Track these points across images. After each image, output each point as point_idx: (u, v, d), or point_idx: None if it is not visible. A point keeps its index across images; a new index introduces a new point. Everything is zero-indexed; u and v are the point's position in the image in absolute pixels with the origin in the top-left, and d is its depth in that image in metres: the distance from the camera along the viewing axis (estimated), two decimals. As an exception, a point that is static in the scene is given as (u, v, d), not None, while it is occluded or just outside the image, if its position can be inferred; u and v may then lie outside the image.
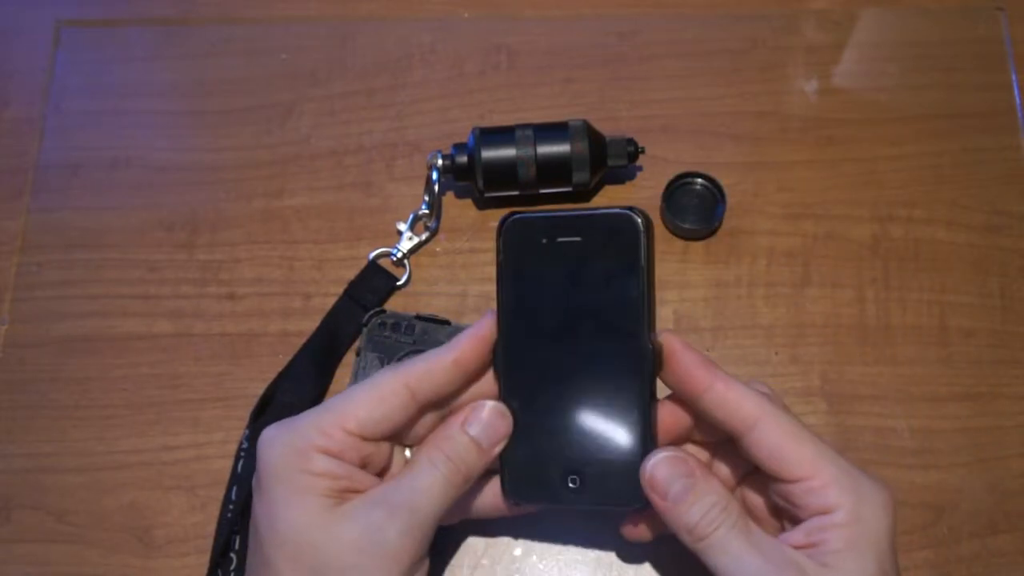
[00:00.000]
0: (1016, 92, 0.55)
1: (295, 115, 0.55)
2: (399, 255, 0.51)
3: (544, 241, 0.36)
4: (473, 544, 0.45)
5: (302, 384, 0.47)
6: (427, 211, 0.51)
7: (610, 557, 0.45)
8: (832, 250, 0.51)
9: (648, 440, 0.36)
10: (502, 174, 0.49)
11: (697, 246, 0.51)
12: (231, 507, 0.45)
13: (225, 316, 0.50)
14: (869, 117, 0.54)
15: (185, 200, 0.53)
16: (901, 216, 0.52)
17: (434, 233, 0.51)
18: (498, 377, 0.38)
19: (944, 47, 0.56)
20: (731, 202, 0.51)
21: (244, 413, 0.47)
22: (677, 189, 0.52)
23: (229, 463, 0.47)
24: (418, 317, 0.49)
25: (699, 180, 0.51)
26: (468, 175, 0.50)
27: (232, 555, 0.44)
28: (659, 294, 0.50)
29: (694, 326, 0.49)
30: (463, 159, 0.49)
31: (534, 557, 0.45)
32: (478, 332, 0.37)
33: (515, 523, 0.45)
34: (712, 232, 0.51)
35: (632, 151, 0.50)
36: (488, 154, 0.49)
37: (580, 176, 0.49)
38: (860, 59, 0.56)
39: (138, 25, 0.58)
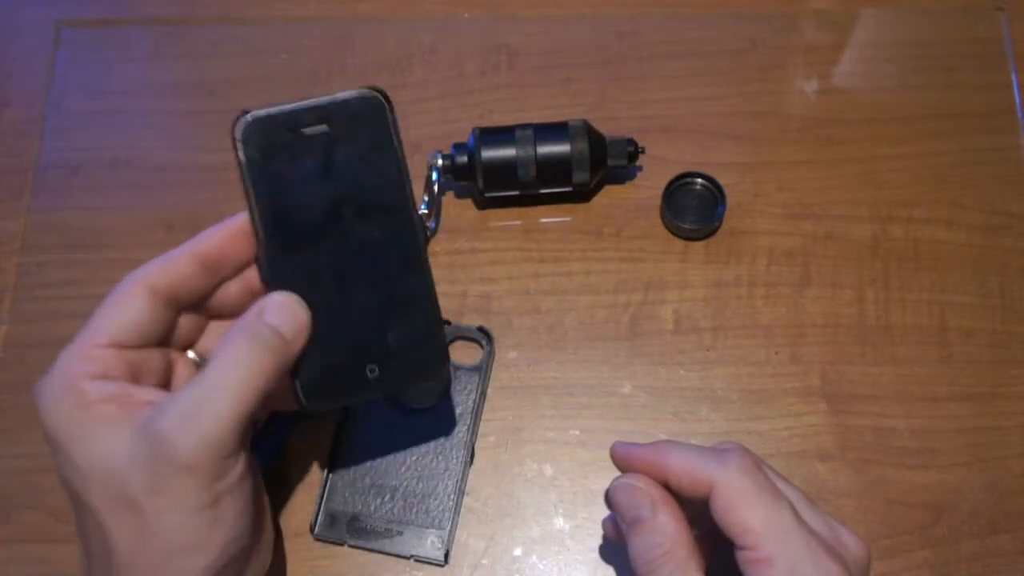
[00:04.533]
0: (1016, 92, 0.55)
1: (295, 115, 0.55)
2: (399, 255, 0.51)
3: (289, 135, 0.35)
4: (473, 544, 0.45)
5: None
6: (427, 211, 0.51)
7: (610, 557, 0.45)
8: (832, 250, 0.51)
9: (436, 307, 0.37)
10: (502, 174, 0.49)
11: (697, 246, 0.51)
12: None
13: (225, 316, 0.50)
14: (869, 117, 0.54)
15: (185, 200, 0.53)
16: (901, 216, 0.52)
17: (434, 233, 0.51)
18: (266, 284, 0.36)
19: (944, 47, 0.56)
20: (731, 202, 0.51)
21: (244, 413, 0.47)
22: (677, 189, 0.52)
23: (229, 463, 0.47)
24: (418, 317, 0.49)
25: (699, 180, 0.51)
26: (468, 175, 0.50)
27: (232, 555, 0.44)
28: (659, 294, 0.50)
29: (694, 326, 0.49)
30: (463, 159, 0.49)
31: (534, 557, 0.45)
32: (225, 225, 0.36)
33: (515, 523, 0.45)
34: (712, 232, 0.51)
35: (632, 151, 0.50)
36: (488, 154, 0.49)
37: (580, 176, 0.49)
38: (860, 59, 0.56)
39: (138, 25, 0.58)
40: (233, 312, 0.38)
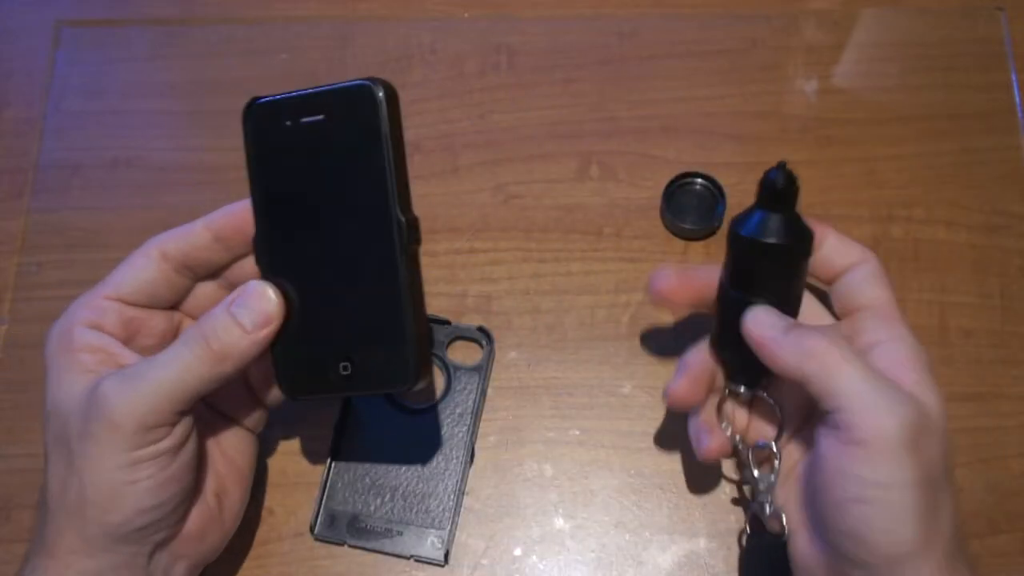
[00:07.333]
0: (1016, 92, 0.55)
1: (295, 115, 0.55)
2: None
3: (288, 123, 0.36)
4: (473, 544, 0.45)
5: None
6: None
7: (610, 557, 0.45)
8: (832, 250, 0.51)
9: (410, 316, 0.35)
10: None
11: (697, 246, 0.51)
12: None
13: (225, 316, 0.50)
14: (869, 117, 0.54)
15: (185, 200, 0.53)
16: (901, 216, 0.52)
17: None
18: (259, 267, 0.37)
19: (944, 47, 0.56)
20: (731, 202, 0.51)
21: (244, 413, 0.47)
22: (677, 189, 0.51)
23: (229, 463, 0.47)
24: (418, 317, 0.49)
25: (699, 180, 0.51)
26: None
27: (232, 555, 0.44)
28: (659, 294, 0.50)
29: (694, 326, 0.49)
30: None
31: (534, 557, 0.45)
32: (240, 204, 0.38)
33: (515, 523, 0.45)
34: (712, 232, 0.51)
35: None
36: None
37: None
38: (860, 59, 0.56)
39: (138, 25, 0.58)
40: None
